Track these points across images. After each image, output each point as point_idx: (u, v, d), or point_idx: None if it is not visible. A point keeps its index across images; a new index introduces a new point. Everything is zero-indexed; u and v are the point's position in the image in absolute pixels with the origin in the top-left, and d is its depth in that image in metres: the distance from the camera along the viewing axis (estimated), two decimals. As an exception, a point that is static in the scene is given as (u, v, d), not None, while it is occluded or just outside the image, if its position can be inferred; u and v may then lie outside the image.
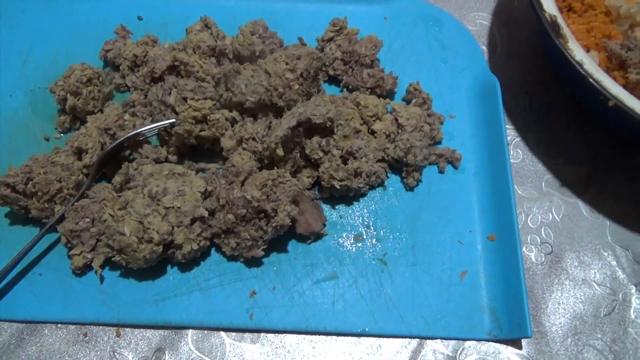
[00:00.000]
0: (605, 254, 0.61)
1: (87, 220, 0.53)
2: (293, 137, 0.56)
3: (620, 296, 0.59)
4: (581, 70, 0.54)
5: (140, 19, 0.71)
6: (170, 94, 0.57)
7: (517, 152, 0.67)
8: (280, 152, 0.54)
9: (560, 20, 0.57)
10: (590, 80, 0.53)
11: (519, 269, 0.55)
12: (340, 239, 0.59)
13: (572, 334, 0.57)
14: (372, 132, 0.62)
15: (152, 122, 0.60)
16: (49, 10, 0.72)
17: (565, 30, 0.56)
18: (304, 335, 0.55)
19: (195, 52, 0.63)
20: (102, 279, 0.55)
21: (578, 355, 0.56)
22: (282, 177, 0.54)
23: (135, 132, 0.56)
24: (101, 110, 0.63)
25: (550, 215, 0.63)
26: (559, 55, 0.56)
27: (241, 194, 0.52)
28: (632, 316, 0.58)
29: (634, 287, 0.59)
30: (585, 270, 0.60)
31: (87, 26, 0.71)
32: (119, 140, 0.56)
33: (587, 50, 0.63)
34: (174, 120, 0.56)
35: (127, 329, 0.55)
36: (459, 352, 0.55)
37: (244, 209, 0.53)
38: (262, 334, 0.55)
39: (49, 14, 0.71)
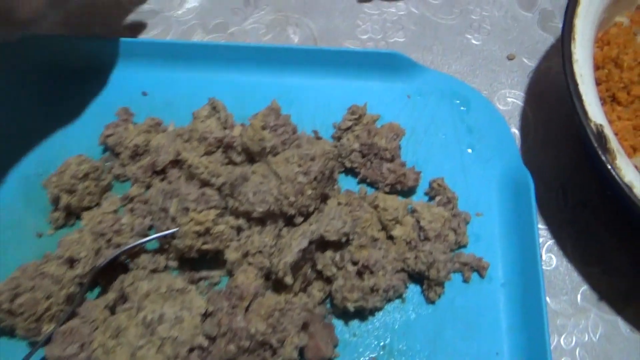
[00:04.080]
0: (648, 382, 0.55)
1: (76, 345, 0.49)
2: (304, 257, 0.50)
3: None
4: (631, 196, 0.47)
5: (145, 94, 0.66)
6: (171, 201, 0.52)
7: (550, 258, 0.61)
8: (289, 280, 0.49)
9: (607, 130, 0.50)
10: (633, 199, 0.47)
11: (551, 403, 0.50)
12: (353, 362, 0.54)
13: None
14: (391, 238, 0.57)
15: (151, 222, 0.55)
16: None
17: (614, 143, 0.50)
18: None
19: (200, 144, 0.58)
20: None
21: None
22: (290, 303, 0.49)
23: (131, 246, 0.51)
24: (98, 204, 0.58)
25: (587, 335, 0.57)
26: (604, 170, 0.50)
27: (244, 325, 0.47)
28: None
29: None
30: (624, 402, 0.54)
31: (85, 104, 0.66)
32: (112, 255, 0.51)
33: (634, 152, 0.56)
34: (175, 230, 0.51)
35: None
36: None
37: (247, 341, 0.47)
38: None
39: (47, 90, 0.67)
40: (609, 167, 0.49)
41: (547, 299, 0.58)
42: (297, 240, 0.49)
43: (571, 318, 0.58)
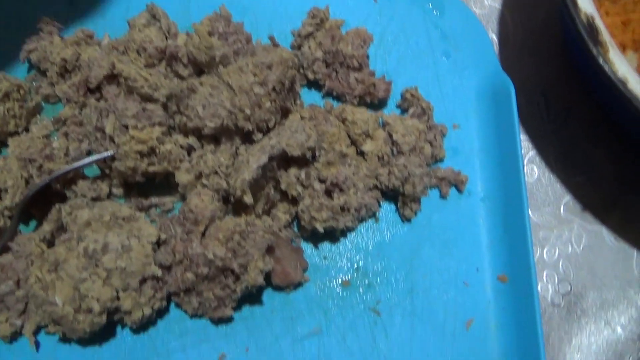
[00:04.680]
0: (632, 291, 0.53)
1: (11, 282, 0.43)
2: (264, 175, 0.45)
3: (647, 342, 0.51)
4: (624, 92, 0.43)
5: (71, 3, 0.57)
6: (107, 118, 0.45)
7: (532, 169, 0.57)
8: (248, 199, 0.43)
9: (598, 21, 0.45)
10: (636, 103, 0.42)
11: (534, 316, 0.47)
12: (325, 286, 0.50)
13: (593, 389, 0.49)
14: (361, 154, 0.51)
15: (89, 147, 0.48)
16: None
17: (605, 35, 0.45)
18: (283, 406, 0.47)
19: (140, 55, 0.50)
20: (37, 345, 0.46)
21: (599, 415, 0.49)
22: (252, 225, 0.43)
23: (62, 172, 0.45)
24: (27, 129, 0.51)
25: (570, 246, 0.54)
26: (594, 65, 0.45)
27: (201, 251, 0.42)
28: (662, 368, 0.50)
29: (663, 332, 0.51)
30: (608, 311, 0.52)
31: (3, 14, 0.56)
32: (44, 181, 0.44)
33: (623, 49, 0.51)
34: (112, 152, 0.45)
35: (72, 406, 0.46)
36: (464, 416, 0.48)
37: (205, 268, 0.42)
38: (234, 406, 0.47)
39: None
40: (601, 61, 0.44)
41: (529, 211, 0.54)
42: (255, 156, 0.43)
43: (554, 230, 0.54)
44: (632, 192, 0.55)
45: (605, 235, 0.54)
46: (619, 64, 0.43)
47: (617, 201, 0.55)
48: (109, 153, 0.44)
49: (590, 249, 0.54)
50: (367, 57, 0.55)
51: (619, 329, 0.52)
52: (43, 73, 0.52)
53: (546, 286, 0.53)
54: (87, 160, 0.45)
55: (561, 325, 0.52)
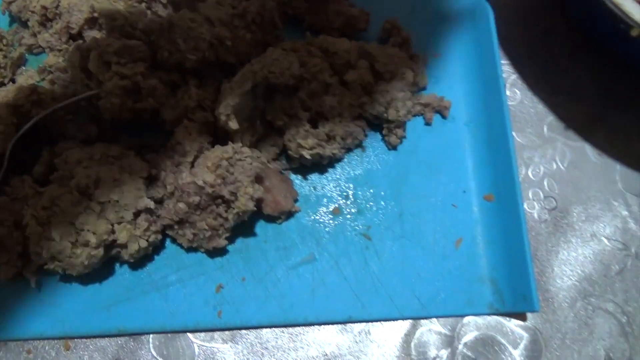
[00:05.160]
0: (616, 203, 0.54)
1: (8, 223, 0.44)
2: (248, 103, 0.45)
3: (632, 250, 0.53)
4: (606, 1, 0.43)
5: (49, -45, 0.57)
6: (90, 56, 0.45)
7: (514, 92, 0.58)
8: (233, 124, 0.44)
9: None
10: (609, 4, 0.43)
11: (521, 232, 0.48)
12: (315, 215, 0.51)
13: (582, 297, 0.51)
14: (345, 84, 0.52)
15: (75, 92, 0.49)
16: None
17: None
18: (282, 329, 0.49)
19: (118, -1, 0.50)
20: (39, 286, 0.47)
21: (588, 320, 0.50)
22: (240, 153, 0.44)
23: (49, 110, 0.45)
24: (13, 80, 0.51)
25: (554, 164, 0.55)
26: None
27: (191, 179, 0.43)
28: (647, 273, 0.52)
29: (647, 239, 0.53)
30: (593, 224, 0.53)
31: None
32: (33, 120, 0.45)
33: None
34: (96, 91, 0.45)
35: (77, 341, 0.47)
36: (457, 329, 0.49)
37: (196, 196, 0.44)
38: (235, 332, 0.48)
39: None
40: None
41: (513, 133, 0.55)
42: (238, 83, 0.44)
43: (538, 149, 0.56)
44: (613, 107, 0.56)
45: (589, 151, 0.56)
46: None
47: (599, 117, 0.56)
48: (94, 92, 0.45)
49: (574, 166, 0.55)
50: (345, -10, 0.56)
51: (604, 240, 0.53)
52: (24, 24, 0.53)
53: (532, 204, 0.54)
54: (72, 99, 0.45)
55: (549, 240, 0.53)
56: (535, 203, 0.54)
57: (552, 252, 0.53)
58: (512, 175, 0.50)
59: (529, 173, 0.55)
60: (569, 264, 0.52)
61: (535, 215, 0.54)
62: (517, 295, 0.48)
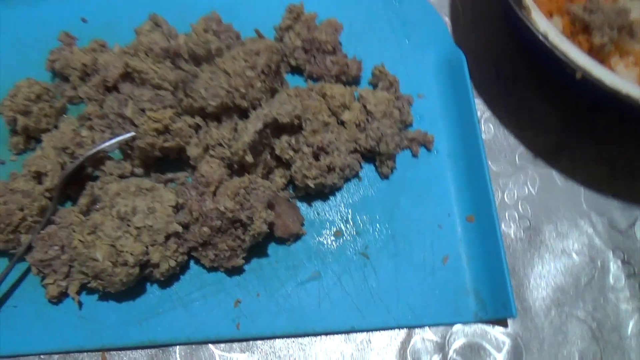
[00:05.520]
0: (582, 222, 0.62)
1: (56, 248, 0.51)
2: (261, 140, 0.54)
3: (598, 263, 0.60)
4: (546, 43, 0.52)
5: (84, 21, 0.67)
6: (126, 105, 0.54)
7: (489, 127, 0.66)
8: (249, 158, 0.52)
9: (522, -8, 0.55)
10: (557, 53, 0.52)
11: (499, 248, 0.55)
12: (320, 237, 0.58)
13: (555, 306, 0.58)
14: (342, 123, 0.60)
15: (112, 135, 0.57)
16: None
17: (528, 1, 0.55)
18: (293, 339, 0.55)
19: (148, 56, 0.59)
20: (80, 304, 0.54)
21: (562, 326, 0.57)
22: (254, 183, 0.52)
23: (93, 150, 0.53)
24: (56, 127, 0.59)
25: (526, 188, 0.63)
26: (523, 27, 0.55)
27: (214, 206, 0.51)
28: (611, 282, 0.59)
29: (610, 253, 0.60)
30: (563, 240, 0.61)
31: (27, 33, 0.66)
32: (79, 160, 0.53)
33: (550, 16, 0.61)
34: (133, 133, 0.53)
35: (113, 353, 0.54)
36: (447, 337, 0.56)
37: (218, 221, 0.51)
38: (251, 342, 0.55)
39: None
40: (526, 21, 0.54)
41: (489, 162, 0.63)
42: (252, 123, 0.52)
43: (511, 176, 0.64)
44: (576, 137, 0.65)
45: (556, 177, 0.64)
46: (541, 22, 0.53)
47: (564, 147, 0.64)
48: (131, 133, 0.53)
49: (544, 190, 0.63)
50: (340, 43, 0.65)
51: (574, 255, 0.60)
52: (65, 79, 0.61)
53: (509, 224, 0.62)
54: (112, 140, 0.53)
55: (524, 256, 0.60)
56: (511, 223, 0.62)
57: (528, 266, 0.60)
58: (489, 198, 0.57)
59: (505, 197, 0.63)
60: (543, 277, 0.59)
61: (512, 234, 0.61)
62: (497, 303, 0.55)
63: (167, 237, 0.51)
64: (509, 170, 0.64)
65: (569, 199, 0.63)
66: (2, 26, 0.66)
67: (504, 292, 0.54)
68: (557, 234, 0.61)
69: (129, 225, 0.50)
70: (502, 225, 0.61)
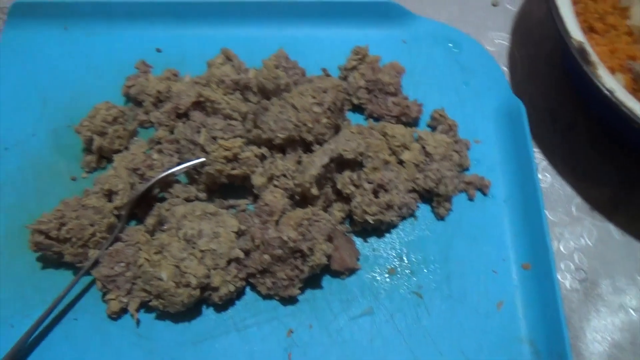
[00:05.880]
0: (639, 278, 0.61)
1: (122, 265, 0.53)
2: (325, 174, 0.55)
3: (657, 321, 0.58)
4: (612, 99, 0.53)
5: (159, 51, 0.71)
6: (198, 132, 0.56)
7: (545, 176, 0.66)
8: (314, 191, 0.53)
9: (587, 46, 0.56)
10: (623, 109, 0.53)
11: (556, 298, 0.55)
12: (374, 273, 0.59)
13: (612, 361, 0.56)
14: (400, 162, 0.62)
15: (179, 159, 0.59)
16: (65, 45, 0.71)
17: (594, 57, 0.56)
18: (343, 373, 0.55)
19: (218, 87, 0.62)
20: (138, 322, 0.55)
21: (619, 383, 0.55)
22: (316, 215, 0.53)
23: (166, 173, 0.56)
24: (127, 148, 0.62)
25: (583, 240, 0.63)
26: (587, 82, 0.56)
27: (277, 235, 0.52)
28: (671, 342, 0.57)
29: (670, 312, 0.59)
30: (621, 296, 0.60)
31: (105, 60, 0.70)
32: (152, 181, 0.55)
33: (612, 73, 0.62)
34: (204, 159, 0.55)
35: (165, 373, 0.54)
36: (499, 384, 0.55)
37: (280, 250, 0.52)
38: (301, 374, 0.55)
39: (65, 49, 0.70)
40: (592, 76, 0.55)
41: (545, 211, 0.63)
42: (319, 157, 0.54)
43: (568, 226, 0.63)
44: (634, 193, 0.64)
45: (613, 230, 0.63)
46: (607, 78, 0.54)
47: (621, 201, 0.64)
48: (202, 159, 0.55)
49: (601, 242, 0.62)
50: (401, 85, 0.67)
51: (631, 312, 0.59)
52: (138, 104, 0.65)
53: (564, 274, 0.61)
54: (187, 164, 0.56)
55: (580, 308, 0.59)
56: (567, 274, 0.61)
57: (583, 319, 0.59)
58: (547, 247, 0.57)
59: (560, 247, 0.62)
60: (599, 331, 0.58)
61: (568, 285, 0.60)
62: (553, 354, 0.54)
63: (229, 262, 0.53)
64: (566, 220, 0.64)
65: (627, 254, 0.62)
66: (84, 52, 0.70)
67: (561, 343, 0.53)
68: (614, 289, 0.60)
69: (194, 248, 0.51)
70: (558, 276, 0.60)
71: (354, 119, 0.67)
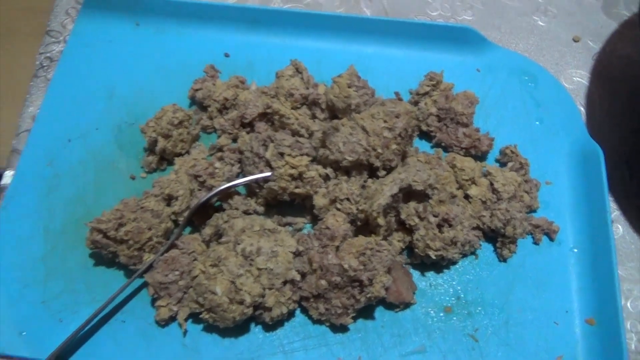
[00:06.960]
0: None
1: (177, 272, 0.52)
2: (392, 203, 0.53)
3: None
4: None
5: (227, 56, 0.70)
6: (265, 146, 0.55)
7: (617, 227, 0.63)
8: (381, 221, 0.51)
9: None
10: None
11: (622, 359, 0.51)
12: (429, 309, 0.56)
13: None
14: (467, 197, 0.59)
15: (240, 170, 0.58)
16: (136, 41, 0.71)
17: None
18: (388, 412, 0.52)
19: (287, 100, 0.61)
20: (185, 332, 0.54)
21: None
22: (380, 245, 0.51)
23: (232, 184, 0.54)
24: (188, 152, 0.61)
25: (653, 300, 0.59)
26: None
27: (337, 262, 0.50)
28: None
29: None
30: (691, 364, 0.56)
31: (173, 60, 0.69)
32: (216, 190, 0.54)
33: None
34: (269, 174, 0.54)
35: (207, 388, 0.53)
36: None
37: (338, 277, 0.50)
38: (346, 407, 0.52)
39: (135, 45, 0.70)
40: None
41: (614, 264, 0.60)
42: (388, 186, 0.52)
43: (638, 284, 0.59)
44: None
45: (687, 292, 0.59)
46: None
47: (698, 263, 0.60)
48: (269, 174, 0.54)
49: (673, 304, 0.58)
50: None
51: (701, 382, 0.55)
52: (203, 108, 0.64)
53: (630, 335, 0.57)
54: (250, 177, 0.54)
55: (645, 372, 0.56)
56: (633, 335, 0.57)
57: (648, 384, 0.55)
58: (616, 305, 0.54)
59: (628, 305, 0.59)
60: (665, 400, 0.54)
61: (633, 347, 0.57)
62: (614, 420, 0.50)
63: (284, 283, 0.51)
64: (636, 276, 0.60)
65: (700, 320, 0.58)
66: (153, 50, 0.69)
67: (625, 410, 0.50)
68: (684, 356, 0.56)
69: (251, 265, 0.50)
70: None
71: (420, 145, 0.65)
